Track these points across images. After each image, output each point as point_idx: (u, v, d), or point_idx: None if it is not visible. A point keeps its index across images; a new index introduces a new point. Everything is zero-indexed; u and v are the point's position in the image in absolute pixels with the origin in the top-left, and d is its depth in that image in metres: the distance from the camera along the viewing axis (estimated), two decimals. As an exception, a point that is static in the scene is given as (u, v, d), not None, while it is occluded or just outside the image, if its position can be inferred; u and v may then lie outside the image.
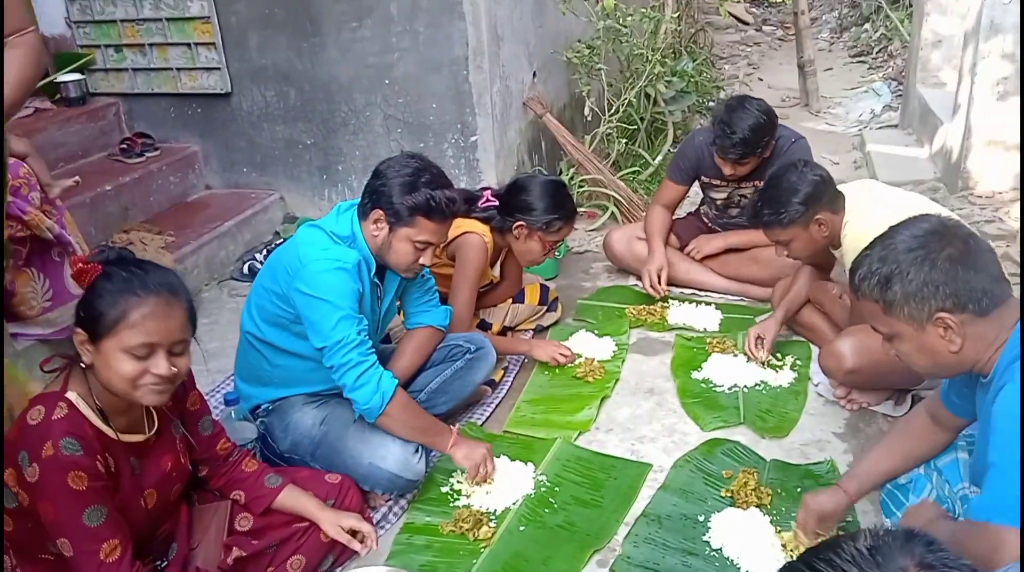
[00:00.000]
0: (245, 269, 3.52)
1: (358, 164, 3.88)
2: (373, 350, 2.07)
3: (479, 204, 2.82)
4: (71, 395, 1.43)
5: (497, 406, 2.63)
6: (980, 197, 3.79)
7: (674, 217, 3.64)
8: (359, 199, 2.19)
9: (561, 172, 4.16)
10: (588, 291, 3.39)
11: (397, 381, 2.08)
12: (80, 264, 1.44)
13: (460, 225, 2.71)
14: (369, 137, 3.81)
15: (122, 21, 3.86)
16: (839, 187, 2.53)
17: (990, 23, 3.66)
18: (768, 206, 2.46)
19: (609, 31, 4.07)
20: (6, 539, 1.48)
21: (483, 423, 2.54)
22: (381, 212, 2.10)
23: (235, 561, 1.78)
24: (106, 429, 1.44)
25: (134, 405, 1.53)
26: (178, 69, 3.88)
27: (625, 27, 4.09)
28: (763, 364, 2.68)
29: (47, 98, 3.85)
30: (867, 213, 2.35)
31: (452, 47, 3.56)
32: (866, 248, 1.60)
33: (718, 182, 3.26)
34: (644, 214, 3.60)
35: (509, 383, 2.75)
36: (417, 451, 2.14)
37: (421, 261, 2.16)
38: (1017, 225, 3.45)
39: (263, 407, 2.25)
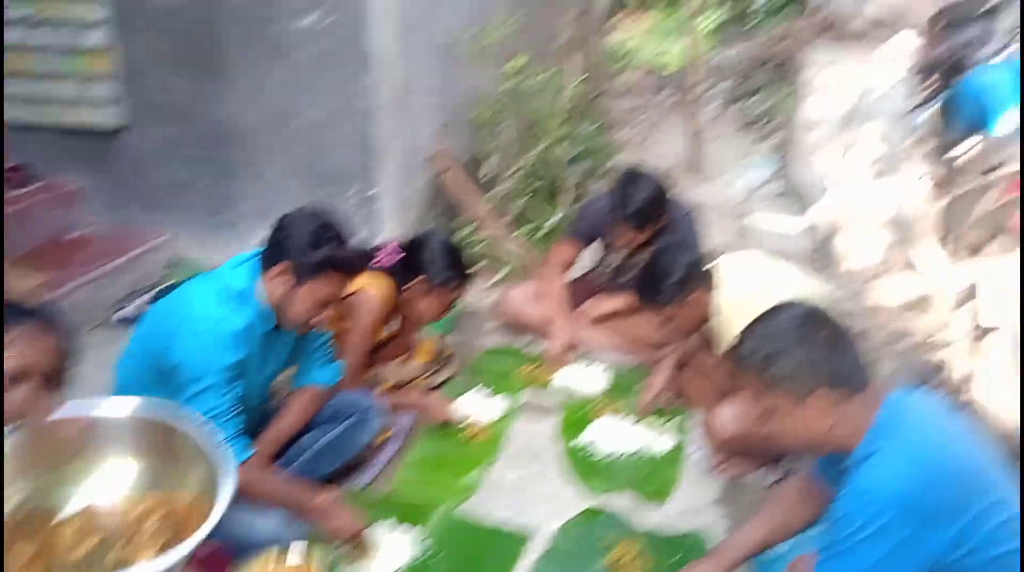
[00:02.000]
0: (121, 315, 3.38)
1: (255, 209, 3.80)
2: (237, 419, 2.02)
3: (384, 257, 2.82)
4: None
5: (383, 468, 2.60)
6: (849, 272, 4.05)
7: (572, 278, 3.74)
8: (258, 251, 2.15)
9: (461, 228, 4.20)
10: (481, 349, 3.42)
11: (249, 453, 2.02)
12: None
13: (356, 281, 2.70)
14: (268, 182, 3.76)
15: (10, 48, 3.69)
16: (721, 257, 2.68)
17: (864, 109, 3.97)
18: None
19: (514, 93, 4.17)
20: None
21: (367, 486, 2.51)
22: (286, 265, 2.07)
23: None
24: None
25: None
26: (68, 102, 3.73)
27: (530, 89, 4.21)
28: (655, 415, 2.80)
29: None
30: (742, 283, 2.53)
31: (359, 98, 3.57)
32: (747, 327, 1.70)
33: (614, 247, 3.38)
34: (540, 273, 3.68)
35: (396, 443, 2.73)
36: (295, 520, 2.09)
37: (321, 317, 2.15)
38: (881, 301, 3.70)
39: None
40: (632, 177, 3.15)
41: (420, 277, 2.73)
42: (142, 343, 2.09)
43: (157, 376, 2.05)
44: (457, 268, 2.78)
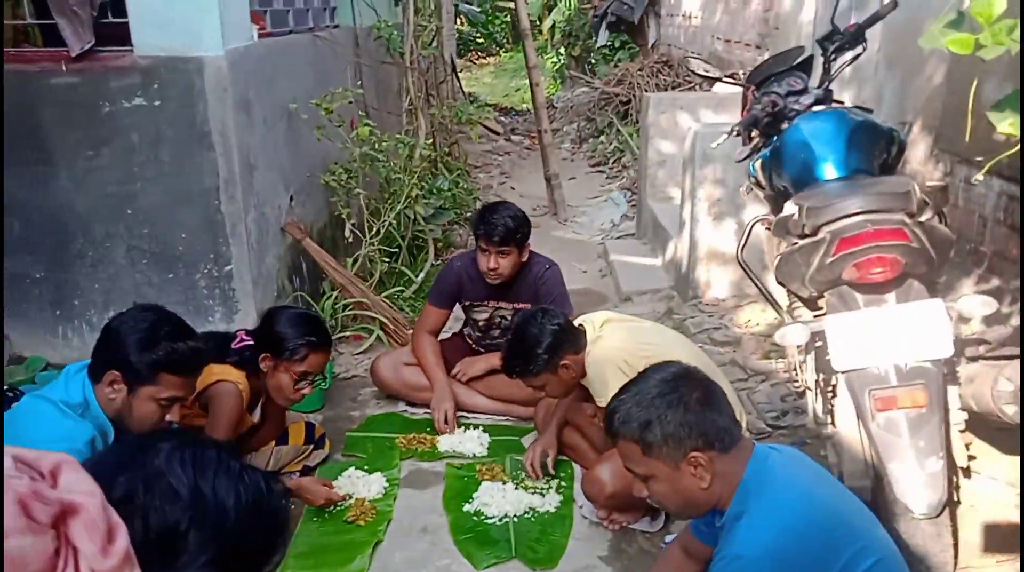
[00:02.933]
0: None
1: (98, 298, 3.57)
2: None
3: (234, 345, 2.70)
4: None
5: (263, 565, 2.46)
6: (708, 305, 4.24)
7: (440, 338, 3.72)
8: (88, 361, 2.02)
9: (324, 294, 4.10)
10: (357, 421, 3.33)
11: None
12: None
13: (212, 372, 2.57)
14: (110, 269, 3.54)
15: None
16: (580, 319, 2.72)
17: (702, 153, 4.18)
18: (516, 359, 2.62)
19: (365, 157, 4.14)
20: None
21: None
22: (117, 373, 1.97)
23: None
24: None
25: None
26: None
27: (380, 153, 4.19)
28: (545, 480, 2.80)
29: None
30: (605, 344, 2.58)
31: (202, 177, 3.43)
32: (619, 393, 1.74)
33: (479, 304, 3.40)
34: (411, 335, 3.64)
35: (275, 536, 2.59)
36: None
37: (168, 418, 2.03)
38: (740, 332, 3.88)
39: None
40: (494, 204, 3.39)
41: (263, 355, 2.63)
42: None
43: None
44: (301, 338, 2.66)
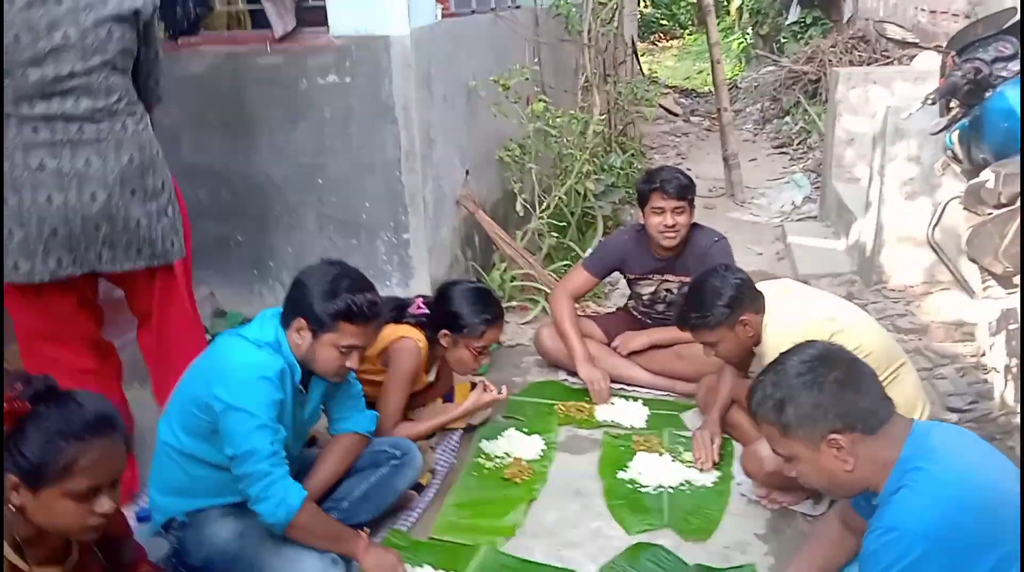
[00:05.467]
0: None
1: (290, 261, 3.89)
2: (285, 462, 2.06)
3: (411, 311, 2.87)
4: None
5: (424, 511, 2.61)
6: (893, 290, 3.97)
7: (603, 312, 3.74)
8: (278, 309, 2.22)
9: (494, 266, 4.24)
10: (520, 386, 3.42)
11: (304, 493, 2.06)
12: (6, 403, 1.40)
13: (395, 331, 2.76)
14: (302, 235, 3.84)
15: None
16: (759, 285, 2.63)
17: (895, 129, 3.91)
18: (694, 310, 2.52)
19: (539, 133, 4.22)
20: None
21: (409, 529, 2.51)
22: (303, 320, 2.13)
23: None
24: (21, 565, 1.39)
25: (54, 535, 1.50)
26: None
27: (554, 129, 4.25)
28: (714, 465, 2.72)
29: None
30: (785, 316, 2.45)
31: (385, 149, 3.64)
32: (759, 374, 1.73)
33: (644, 277, 3.37)
34: (551, 293, 3.62)
35: (437, 485, 2.73)
36: (336, 562, 2.11)
37: (348, 365, 2.18)
38: (928, 319, 3.61)
39: (178, 520, 2.19)
40: (655, 168, 3.41)
41: (443, 332, 2.77)
42: (182, 402, 2.14)
43: (200, 431, 2.10)
44: (479, 317, 2.79)
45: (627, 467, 2.75)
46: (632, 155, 6.03)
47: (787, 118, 8.20)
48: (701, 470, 2.70)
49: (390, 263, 3.78)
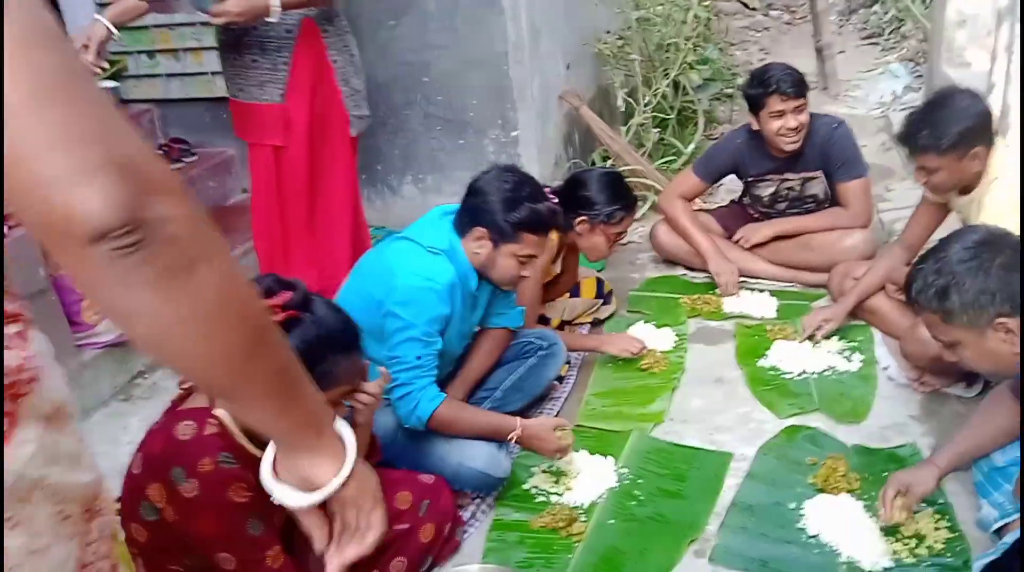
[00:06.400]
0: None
1: (397, 163, 3.87)
2: (427, 372, 2.06)
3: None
4: (220, 412, 1.42)
5: (565, 401, 2.63)
6: None
7: (718, 205, 3.66)
8: (451, 207, 2.19)
9: (593, 164, 4.16)
10: (637, 282, 3.40)
11: (437, 403, 2.05)
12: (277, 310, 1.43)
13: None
14: (408, 136, 3.81)
15: (154, 27, 3.84)
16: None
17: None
18: (929, 128, 2.30)
19: (641, 21, 4.06)
20: (135, 548, 1.48)
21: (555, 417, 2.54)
22: (484, 230, 2.09)
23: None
24: (252, 449, 1.44)
25: None
26: (213, 73, 3.86)
27: (657, 16, 4.09)
28: (813, 343, 2.69)
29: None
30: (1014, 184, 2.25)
31: (491, 43, 3.55)
32: (918, 261, 1.71)
33: (763, 179, 3.27)
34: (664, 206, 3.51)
35: (574, 377, 2.75)
36: (502, 447, 2.15)
37: (524, 273, 2.16)
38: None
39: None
40: (759, 68, 3.25)
41: (582, 217, 2.72)
42: (355, 291, 2.16)
43: (368, 327, 2.11)
44: (619, 201, 2.74)
45: (766, 355, 2.73)
46: (721, 48, 5.80)
47: (875, 6, 7.76)
48: (844, 357, 2.66)
49: (499, 161, 3.73)
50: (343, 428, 0.83)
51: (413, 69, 3.68)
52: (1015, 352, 1.54)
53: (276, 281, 1.47)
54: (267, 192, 2.74)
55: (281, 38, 2.60)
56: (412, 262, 2.07)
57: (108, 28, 2.52)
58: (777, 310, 3.03)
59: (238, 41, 2.61)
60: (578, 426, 2.48)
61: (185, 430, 1.40)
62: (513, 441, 2.11)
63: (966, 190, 2.40)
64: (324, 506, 0.84)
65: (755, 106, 3.11)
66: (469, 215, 2.12)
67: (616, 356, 2.75)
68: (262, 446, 1.49)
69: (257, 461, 1.46)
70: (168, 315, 0.63)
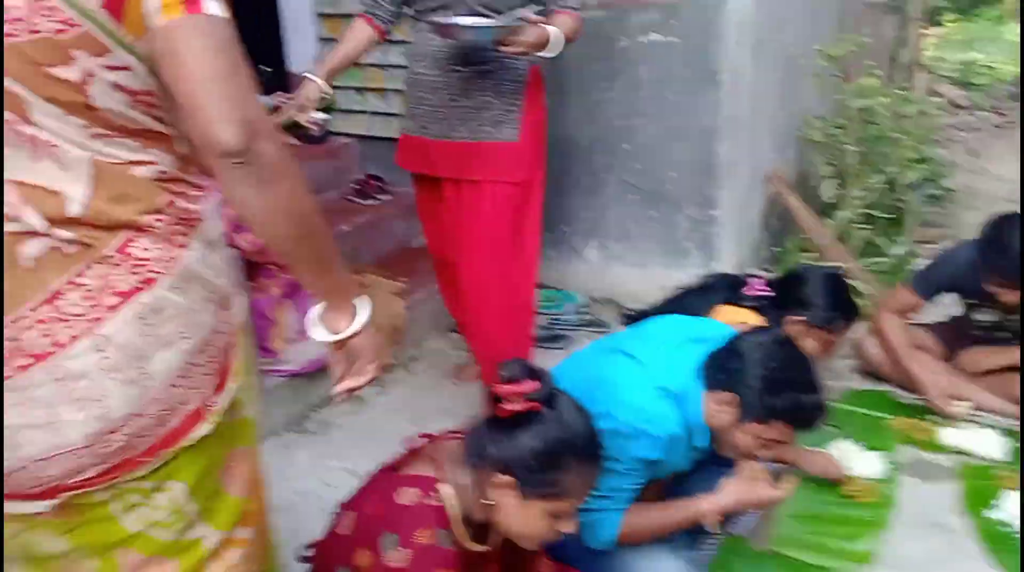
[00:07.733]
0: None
1: (584, 227, 3.75)
2: (618, 506, 1.84)
3: (748, 292, 2.61)
4: (445, 488, 1.28)
5: (760, 516, 2.35)
6: None
7: (935, 321, 3.29)
8: (693, 329, 1.99)
9: (788, 253, 3.88)
10: (835, 392, 3.07)
11: (615, 529, 1.84)
12: (519, 399, 1.31)
13: (734, 314, 2.49)
14: (600, 200, 3.68)
15: (368, 66, 3.92)
16: None
17: None
18: None
19: (864, 111, 3.79)
20: None
21: (748, 534, 2.27)
22: (733, 398, 1.82)
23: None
24: (466, 539, 1.29)
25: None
26: (415, 116, 3.89)
27: (882, 107, 3.81)
28: None
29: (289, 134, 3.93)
30: None
31: (701, 116, 3.39)
32: None
33: (986, 305, 2.91)
34: (874, 313, 3.19)
35: (765, 490, 2.47)
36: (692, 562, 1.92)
37: (760, 454, 1.90)
38: None
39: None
40: (1006, 219, 2.67)
41: (800, 317, 2.46)
42: (569, 380, 1.97)
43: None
44: (843, 309, 2.48)
45: (993, 505, 2.36)
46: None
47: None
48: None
49: (690, 240, 3.54)
50: (361, 303, 1.18)
51: (616, 134, 3.56)
52: None
53: (524, 368, 1.33)
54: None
55: (515, 82, 2.60)
56: (636, 396, 1.83)
57: (319, 86, 2.64)
58: (1008, 452, 2.64)
59: (465, 83, 2.56)
60: (772, 551, 2.20)
61: (410, 496, 1.26)
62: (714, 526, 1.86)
63: None
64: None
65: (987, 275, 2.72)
66: (722, 373, 1.83)
67: (814, 476, 2.45)
68: (475, 539, 1.35)
69: (464, 557, 1.32)
70: (260, 206, 1.01)
